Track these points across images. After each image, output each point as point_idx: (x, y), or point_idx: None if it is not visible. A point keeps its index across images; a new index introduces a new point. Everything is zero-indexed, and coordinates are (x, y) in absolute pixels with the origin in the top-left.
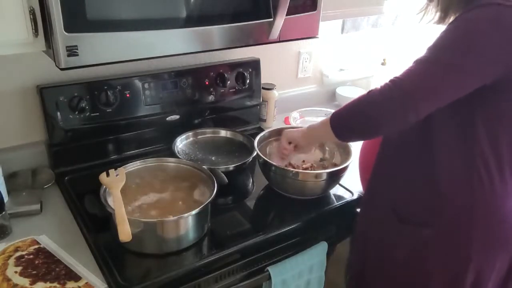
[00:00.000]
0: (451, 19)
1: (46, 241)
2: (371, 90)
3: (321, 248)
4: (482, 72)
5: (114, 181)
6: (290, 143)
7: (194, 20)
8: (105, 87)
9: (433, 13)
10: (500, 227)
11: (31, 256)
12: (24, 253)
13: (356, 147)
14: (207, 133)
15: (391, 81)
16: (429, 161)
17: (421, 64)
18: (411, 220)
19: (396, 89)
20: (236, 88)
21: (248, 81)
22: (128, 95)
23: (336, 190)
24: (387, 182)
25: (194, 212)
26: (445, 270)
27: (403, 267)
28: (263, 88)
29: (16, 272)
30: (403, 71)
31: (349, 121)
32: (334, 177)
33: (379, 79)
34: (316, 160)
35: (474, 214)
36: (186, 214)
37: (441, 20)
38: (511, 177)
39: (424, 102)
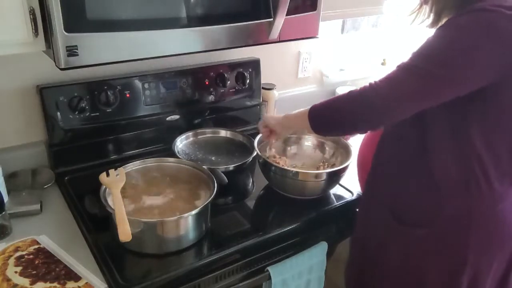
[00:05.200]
0: (443, 22)
1: (46, 241)
2: (352, 91)
3: (321, 248)
4: (466, 82)
5: (114, 181)
6: (266, 127)
7: (194, 20)
8: (105, 87)
9: (426, 16)
10: (497, 228)
11: (31, 256)
12: (24, 253)
13: (355, 147)
14: (207, 133)
15: (370, 84)
16: (425, 163)
17: (401, 71)
18: (408, 221)
19: (373, 93)
20: (236, 88)
21: (248, 81)
22: (128, 95)
23: (336, 190)
24: (384, 182)
25: (194, 212)
26: (442, 270)
27: (400, 266)
28: (263, 88)
29: (16, 272)
30: (384, 76)
31: (326, 117)
32: (334, 177)
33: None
34: (316, 160)
35: (471, 215)
36: (186, 214)
37: (434, 23)
38: (508, 177)
39: (398, 109)
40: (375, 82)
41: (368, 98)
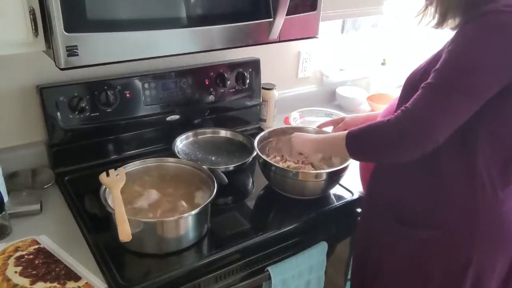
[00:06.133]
0: (449, 23)
1: (46, 241)
2: (389, 119)
3: (321, 248)
4: (492, 85)
5: (114, 181)
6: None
7: (194, 20)
8: (105, 87)
9: (431, 17)
10: (501, 229)
11: (31, 256)
12: (24, 253)
13: None
14: (207, 133)
15: (401, 111)
16: (430, 164)
17: (429, 90)
18: (411, 222)
19: (407, 120)
20: (236, 88)
21: (248, 81)
22: (128, 95)
23: (336, 190)
24: (386, 183)
25: (194, 212)
26: (445, 272)
27: (402, 268)
28: (263, 88)
29: (16, 272)
30: (413, 99)
31: (364, 146)
32: (334, 177)
33: (379, 79)
34: (316, 159)
35: (476, 217)
36: (186, 214)
37: (439, 24)
38: None
39: (438, 128)
40: (405, 106)
41: (403, 126)
